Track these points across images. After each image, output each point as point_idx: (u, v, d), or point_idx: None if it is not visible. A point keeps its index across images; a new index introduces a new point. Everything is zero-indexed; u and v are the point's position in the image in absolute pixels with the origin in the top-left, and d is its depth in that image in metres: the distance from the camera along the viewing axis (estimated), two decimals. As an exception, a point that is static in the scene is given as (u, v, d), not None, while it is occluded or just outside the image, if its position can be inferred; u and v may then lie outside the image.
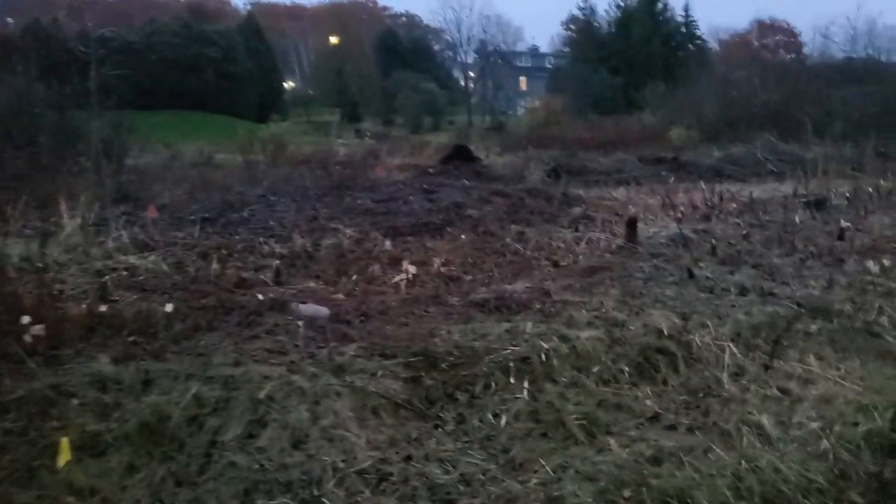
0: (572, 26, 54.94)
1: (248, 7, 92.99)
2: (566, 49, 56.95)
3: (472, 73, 65.00)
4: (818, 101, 25.61)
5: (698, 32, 54.90)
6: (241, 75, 48.45)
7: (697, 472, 3.63)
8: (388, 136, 43.55)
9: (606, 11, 53.60)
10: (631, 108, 42.01)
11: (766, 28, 60.76)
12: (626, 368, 4.54)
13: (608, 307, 5.24)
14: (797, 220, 8.25)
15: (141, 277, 5.98)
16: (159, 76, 45.30)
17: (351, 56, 64.17)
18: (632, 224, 7.26)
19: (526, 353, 4.36)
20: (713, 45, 62.00)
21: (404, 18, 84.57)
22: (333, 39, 66.99)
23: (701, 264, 6.72)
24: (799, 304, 5.69)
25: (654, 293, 5.76)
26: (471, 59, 69.81)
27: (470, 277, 5.99)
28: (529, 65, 74.32)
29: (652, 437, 3.91)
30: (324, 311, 4.74)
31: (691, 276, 6.19)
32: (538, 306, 5.21)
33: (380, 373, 3.97)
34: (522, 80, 72.32)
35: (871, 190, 10.08)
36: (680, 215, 8.14)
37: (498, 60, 74.49)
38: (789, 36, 59.54)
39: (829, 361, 4.90)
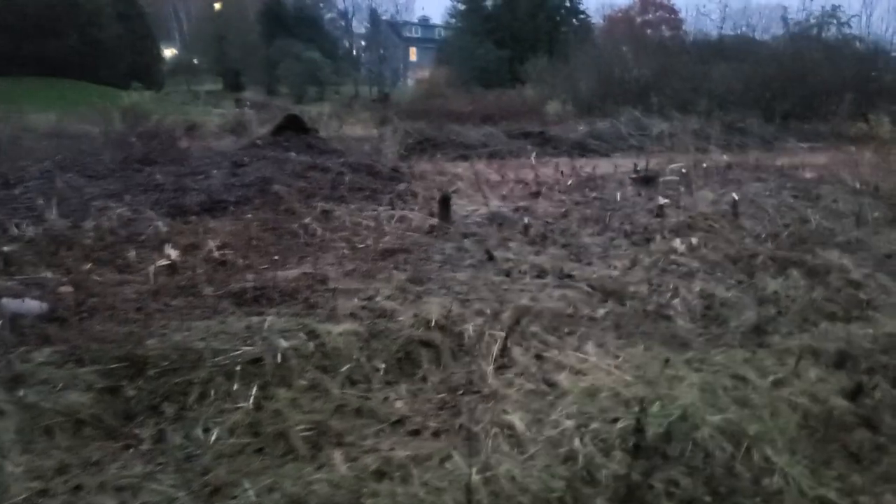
0: (457, -2, 54.31)
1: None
2: (451, 20, 56.30)
3: (362, 43, 63.66)
4: (686, 77, 26.13)
5: (582, 7, 55.36)
6: (109, 41, 45.51)
7: (425, 486, 3.24)
8: (269, 105, 42.12)
9: (491, -17, 53.23)
10: (516, 82, 41.96)
11: (647, 4, 62.03)
12: (383, 366, 4.11)
13: (383, 295, 4.79)
14: (618, 196, 8.08)
15: None
16: (18, 40, 42.05)
17: (233, 23, 61.55)
18: (444, 202, 6.86)
19: (258, 354, 3.85)
20: (598, 20, 62.92)
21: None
22: (217, 5, 64.17)
23: (510, 244, 6.39)
24: (592, 287, 5.42)
25: (444, 278, 5.36)
26: (364, 29, 68.55)
27: (247, 262, 5.42)
28: (419, 35, 73.45)
29: (386, 447, 3.49)
30: (36, 306, 4.07)
31: (490, 258, 5.83)
32: (305, 296, 4.71)
33: (61, 385, 3.36)
34: (413, 50, 71.45)
35: (705, 165, 10.07)
36: (505, 193, 7.80)
37: (388, 30, 73.48)
38: (669, 12, 61.02)
39: (608, 349, 4.62)
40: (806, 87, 25.06)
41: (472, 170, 9.75)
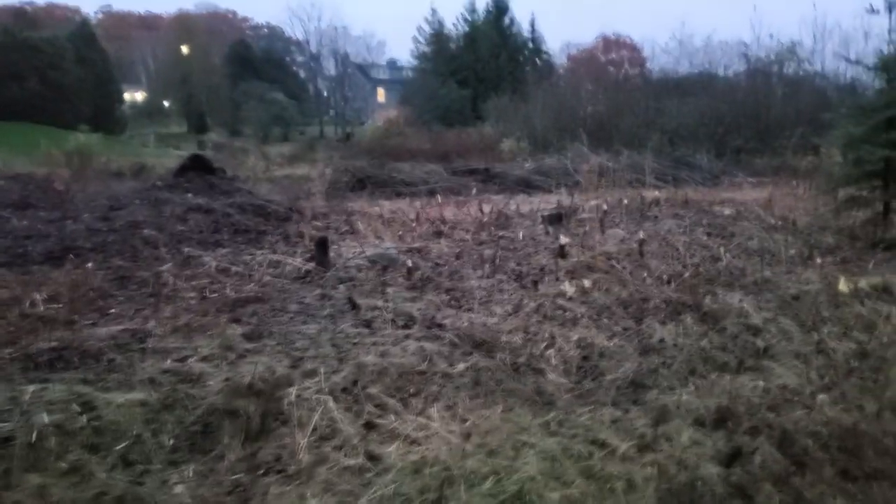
0: (421, 39, 54.64)
1: (99, 15, 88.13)
2: (416, 62, 56.52)
3: (331, 85, 63.74)
4: (639, 113, 26.05)
5: (544, 48, 55.87)
6: (70, 85, 44.97)
7: None
8: (230, 146, 41.79)
9: (455, 25, 53.62)
10: (477, 120, 41.93)
11: (610, 43, 62.76)
12: (171, 442, 3.51)
13: (200, 355, 4.20)
14: (521, 236, 7.58)
15: None
16: (-27, 84, 41.50)
17: (200, 66, 61.41)
18: (322, 245, 6.32)
19: (9, 432, 3.24)
20: (562, 59, 63.52)
21: (266, 30, 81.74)
22: (184, 49, 64.02)
23: (388, 289, 5.84)
24: (459, 337, 4.87)
25: (289, 331, 4.80)
26: (334, 70, 68.61)
27: (69, 318, 4.82)
28: (388, 77, 73.69)
29: (138, 547, 2.89)
30: None
31: (354, 306, 5.27)
32: (110, 357, 4.11)
33: None
34: (381, 91, 71.59)
35: (625, 202, 9.64)
36: (402, 233, 7.27)
37: (356, 72, 73.68)
38: (632, 51, 61.70)
39: (456, 412, 4.06)
40: (759, 121, 25.06)
41: (382, 209, 9.25)
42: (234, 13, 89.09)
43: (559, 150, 23.62)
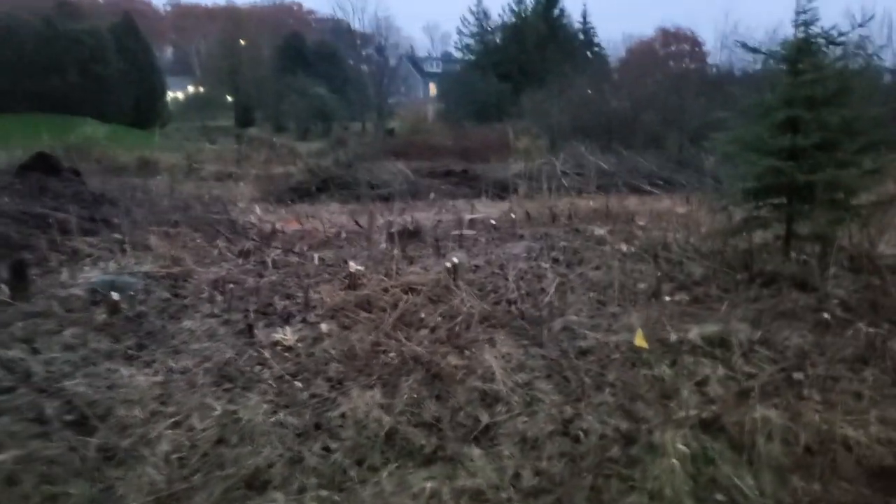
0: (464, 30, 53.40)
1: (168, 8, 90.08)
2: (457, 54, 55.41)
3: (376, 79, 63.15)
4: (659, 111, 24.22)
5: (596, 40, 53.85)
6: (111, 77, 45.56)
7: None
8: (263, 141, 41.71)
9: (500, 16, 52.11)
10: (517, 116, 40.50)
11: (669, 36, 60.02)
12: None
13: None
14: (314, 260, 6.34)
15: None
16: (17, 77, 42.42)
17: (250, 59, 61.66)
18: (17, 269, 5.22)
19: None
20: (621, 52, 61.19)
21: (331, 23, 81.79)
22: (235, 42, 64.41)
23: (67, 332, 4.73)
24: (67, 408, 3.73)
25: None
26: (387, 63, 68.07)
27: None
28: (440, 70, 72.67)
29: None
30: None
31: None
32: None
33: None
34: (432, 86, 70.68)
35: (513, 215, 8.25)
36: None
37: (409, 66, 73.00)
38: (693, 45, 58.85)
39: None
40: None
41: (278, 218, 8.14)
42: (300, 5, 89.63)
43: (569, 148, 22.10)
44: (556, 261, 6.27)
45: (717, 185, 7.93)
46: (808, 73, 6.00)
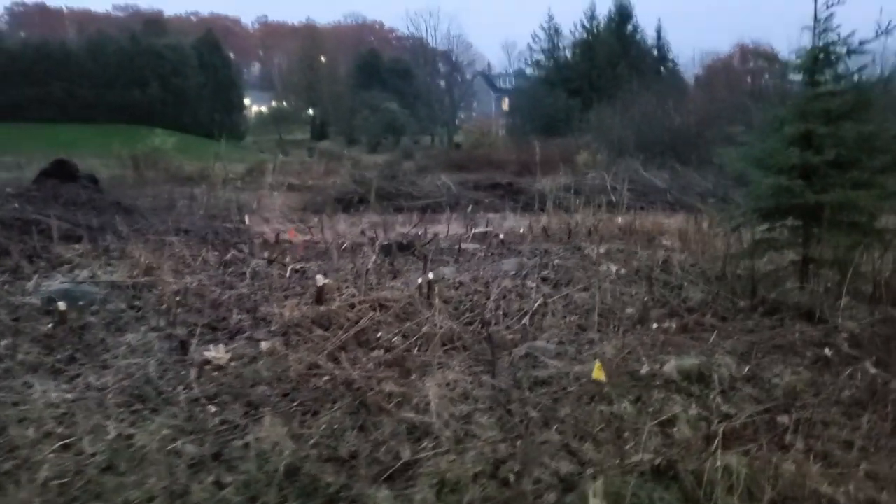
0: (535, 46, 52.94)
1: (256, 25, 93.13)
2: (528, 70, 55.05)
3: (447, 94, 63.47)
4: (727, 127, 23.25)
5: (671, 55, 52.58)
6: (191, 90, 47.18)
7: None
8: (333, 153, 42.26)
9: (572, 32, 51.49)
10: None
11: (748, 52, 58.13)
12: None
13: None
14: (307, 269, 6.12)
15: None
16: (102, 89, 44.44)
17: (327, 75, 63.05)
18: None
19: None
20: (697, 70, 59.74)
21: (411, 41, 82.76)
22: (315, 58, 65.91)
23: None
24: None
25: None
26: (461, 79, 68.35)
27: None
28: (512, 86, 72.42)
29: None
30: None
31: None
32: None
33: None
34: (505, 100, 70.52)
35: (521, 231, 7.85)
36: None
37: (482, 82, 73.08)
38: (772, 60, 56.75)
39: None
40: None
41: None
42: (382, 24, 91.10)
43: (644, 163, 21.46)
44: (545, 280, 5.88)
45: (723, 205, 7.36)
46: (825, 83, 5.46)
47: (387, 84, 59.15)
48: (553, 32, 51.62)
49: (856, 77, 5.62)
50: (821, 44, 5.61)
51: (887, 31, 5.56)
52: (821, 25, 5.57)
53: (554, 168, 24.61)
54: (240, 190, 14.59)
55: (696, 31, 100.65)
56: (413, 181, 17.05)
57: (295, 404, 3.87)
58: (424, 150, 44.84)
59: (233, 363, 4.24)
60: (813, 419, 4.03)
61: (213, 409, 3.79)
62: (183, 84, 47.04)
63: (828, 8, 5.57)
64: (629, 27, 50.57)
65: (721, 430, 3.83)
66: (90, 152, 27.70)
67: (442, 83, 65.91)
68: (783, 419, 4.03)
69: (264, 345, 4.46)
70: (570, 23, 51.44)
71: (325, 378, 4.14)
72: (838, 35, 5.52)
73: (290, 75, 65.08)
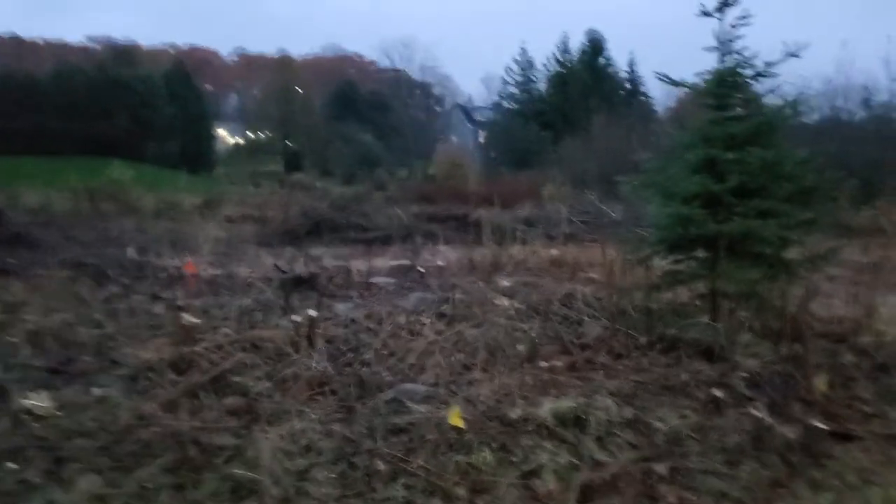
0: (508, 79, 53.25)
1: (235, 58, 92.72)
2: (502, 102, 55.25)
3: (420, 126, 63.48)
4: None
5: (643, 89, 52.98)
6: (160, 122, 46.71)
7: None
8: (305, 185, 41.94)
9: (545, 66, 51.86)
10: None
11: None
12: None
13: None
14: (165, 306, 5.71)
15: None
16: (67, 120, 43.85)
17: (300, 106, 62.91)
18: None
19: None
20: (670, 102, 60.14)
21: (393, 73, 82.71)
22: (288, 89, 65.78)
23: None
24: None
25: None
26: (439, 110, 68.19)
27: None
28: (488, 119, 72.66)
29: None
30: None
31: None
32: None
33: None
34: (482, 133, 70.65)
35: (441, 263, 7.54)
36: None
37: (459, 114, 73.18)
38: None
39: None
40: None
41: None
42: (361, 56, 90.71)
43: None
44: (441, 315, 5.52)
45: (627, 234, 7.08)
46: (730, 107, 5.21)
47: (363, 116, 59.10)
48: (527, 65, 51.97)
49: (762, 100, 5.39)
50: (724, 67, 5.38)
51: (795, 54, 5.35)
52: (723, 48, 5.35)
53: (520, 200, 24.48)
54: (184, 222, 14.16)
55: (670, 65, 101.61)
56: (365, 213, 16.70)
57: (111, 460, 3.46)
58: (399, 181, 44.56)
59: (58, 412, 3.83)
60: (691, 468, 3.68)
61: (13, 466, 3.37)
62: (151, 115, 46.54)
63: (733, 28, 5.35)
64: (601, 60, 50.97)
65: (584, 481, 3.49)
66: (51, 185, 27.17)
67: (414, 115, 65.87)
68: (660, 468, 3.68)
69: (97, 390, 4.04)
70: (545, 56, 51.69)
71: (153, 430, 3.72)
72: (742, 56, 5.30)
73: (265, 106, 64.82)
